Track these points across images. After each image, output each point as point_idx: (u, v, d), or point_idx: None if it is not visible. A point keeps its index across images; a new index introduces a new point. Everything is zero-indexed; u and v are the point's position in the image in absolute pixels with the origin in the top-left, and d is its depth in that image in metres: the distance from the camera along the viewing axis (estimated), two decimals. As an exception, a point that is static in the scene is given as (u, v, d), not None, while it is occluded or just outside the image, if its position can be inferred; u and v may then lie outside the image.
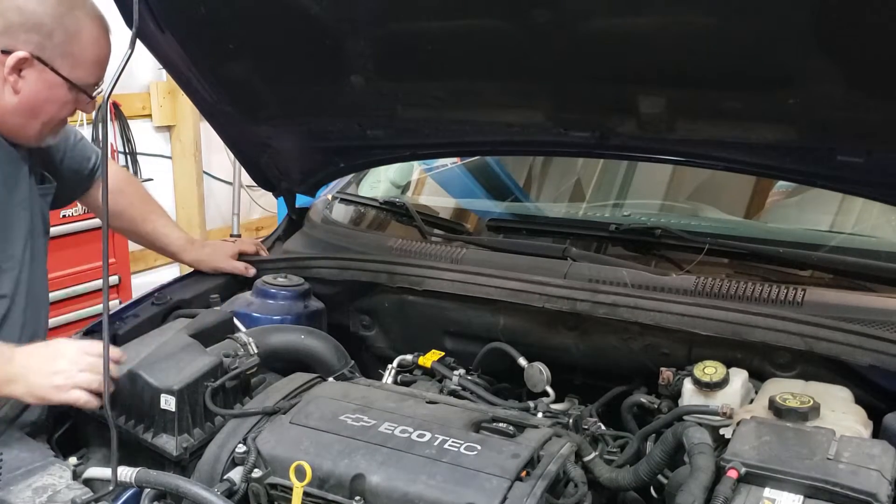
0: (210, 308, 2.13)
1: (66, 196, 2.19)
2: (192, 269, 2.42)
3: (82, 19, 1.80)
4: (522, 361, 1.97)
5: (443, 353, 2.05)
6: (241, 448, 1.56)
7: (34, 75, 1.79)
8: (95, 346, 1.68)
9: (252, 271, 2.35)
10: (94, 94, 1.91)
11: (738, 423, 1.54)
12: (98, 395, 1.62)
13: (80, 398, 1.62)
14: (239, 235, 5.65)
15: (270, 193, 2.67)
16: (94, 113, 1.98)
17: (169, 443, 1.62)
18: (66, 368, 1.63)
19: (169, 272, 5.04)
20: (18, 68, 1.77)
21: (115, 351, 1.70)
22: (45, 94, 1.82)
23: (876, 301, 1.85)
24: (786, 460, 1.38)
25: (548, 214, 2.62)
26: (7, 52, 1.76)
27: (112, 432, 1.44)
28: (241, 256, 2.41)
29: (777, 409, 1.55)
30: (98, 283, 4.30)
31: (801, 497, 1.33)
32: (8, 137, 1.87)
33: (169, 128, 5.44)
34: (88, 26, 1.81)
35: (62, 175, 2.12)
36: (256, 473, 1.50)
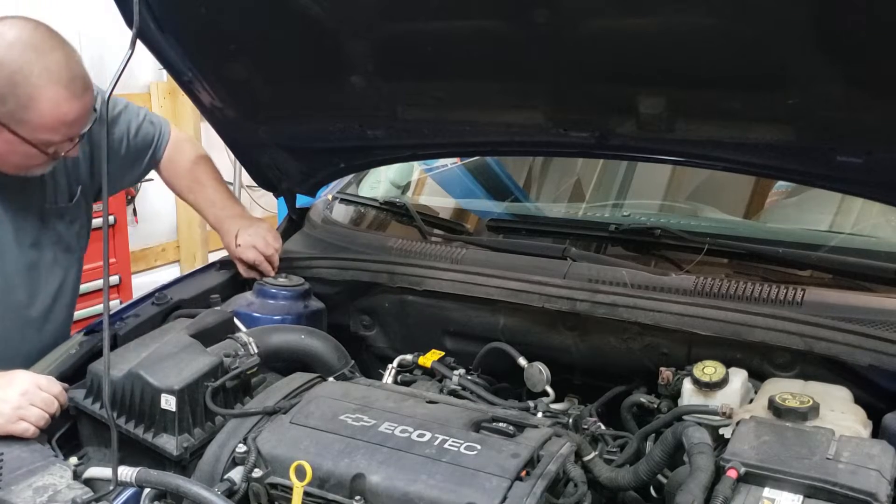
0: (210, 308, 2.13)
1: (128, 179, 2.31)
2: (191, 270, 2.42)
3: (39, 87, 1.72)
4: (522, 361, 1.97)
5: (443, 353, 2.05)
6: (242, 448, 1.56)
7: None
8: (51, 383, 1.72)
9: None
10: (69, 148, 1.86)
11: (737, 423, 1.54)
12: (41, 430, 1.65)
13: (27, 431, 1.64)
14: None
15: (270, 193, 2.67)
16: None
17: (169, 442, 1.63)
18: (16, 399, 1.64)
19: (169, 272, 5.05)
20: None
21: (56, 386, 1.72)
22: (9, 149, 1.80)
23: (875, 301, 1.85)
24: (785, 460, 1.38)
25: (548, 214, 2.62)
26: None
27: (112, 432, 1.44)
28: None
29: (776, 409, 1.55)
30: (98, 283, 4.28)
31: (801, 497, 1.33)
32: None
33: (169, 128, 5.43)
34: (47, 93, 1.73)
35: (121, 160, 2.20)
36: (257, 473, 1.51)
